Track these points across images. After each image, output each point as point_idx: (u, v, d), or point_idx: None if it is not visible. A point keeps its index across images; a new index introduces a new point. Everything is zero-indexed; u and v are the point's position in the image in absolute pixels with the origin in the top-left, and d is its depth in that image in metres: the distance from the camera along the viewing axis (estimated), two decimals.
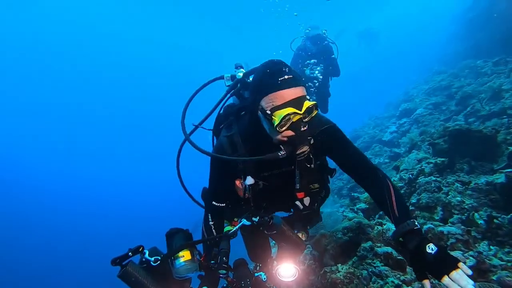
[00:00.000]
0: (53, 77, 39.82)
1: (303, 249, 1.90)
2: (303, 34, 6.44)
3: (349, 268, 3.05)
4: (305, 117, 1.52)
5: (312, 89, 5.99)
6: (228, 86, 2.06)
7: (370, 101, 19.78)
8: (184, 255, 1.50)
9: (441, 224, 3.25)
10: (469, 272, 1.28)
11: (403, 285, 2.67)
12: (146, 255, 1.43)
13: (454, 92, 7.57)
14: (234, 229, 1.72)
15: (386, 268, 2.89)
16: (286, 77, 1.50)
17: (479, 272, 2.42)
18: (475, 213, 3.11)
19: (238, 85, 1.97)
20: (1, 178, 31.86)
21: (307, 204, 1.93)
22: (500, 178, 3.36)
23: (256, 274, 1.65)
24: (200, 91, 2.06)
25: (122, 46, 43.12)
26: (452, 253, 2.69)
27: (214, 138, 2.14)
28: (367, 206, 4.55)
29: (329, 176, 2.06)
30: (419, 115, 7.83)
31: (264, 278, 1.64)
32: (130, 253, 1.35)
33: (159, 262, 1.43)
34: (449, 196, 3.55)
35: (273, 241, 2.27)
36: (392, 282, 2.70)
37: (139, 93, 43.21)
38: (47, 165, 35.99)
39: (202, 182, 2.15)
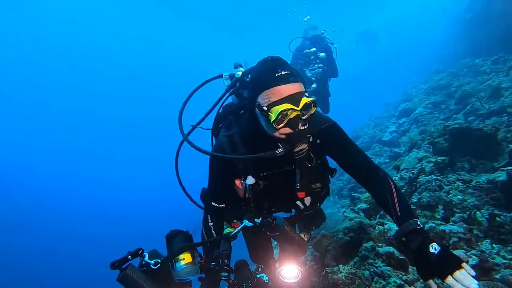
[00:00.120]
0: (52, 78, 39.85)
1: (305, 250, 1.88)
2: (301, 35, 6.43)
3: (350, 268, 3.03)
4: (303, 114, 1.49)
5: (309, 90, 5.97)
6: (227, 85, 2.04)
7: (369, 101, 19.79)
8: (185, 258, 1.47)
9: (442, 223, 3.24)
10: (473, 273, 1.27)
11: (406, 285, 2.65)
12: (146, 258, 1.40)
13: (454, 91, 7.57)
14: (236, 230, 1.70)
15: (388, 268, 2.87)
16: (283, 72, 1.48)
17: (482, 271, 2.40)
18: (477, 212, 3.09)
19: (237, 84, 1.94)
20: (1, 179, 31.86)
21: (308, 204, 1.92)
22: (501, 176, 3.34)
23: (258, 276, 1.62)
24: (199, 90, 2.04)
25: (121, 47, 43.20)
26: (455, 252, 2.67)
27: (213, 138, 2.12)
28: (368, 206, 4.53)
29: (329, 176, 2.05)
30: (418, 114, 7.82)
31: (266, 280, 1.62)
32: (129, 256, 1.32)
33: (159, 265, 1.40)
34: (450, 195, 3.53)
35: (275, 242, 2.25)
36: (395, 282, 2.68)
37: (139, 94, 43.27)
38: (47, 166, 35.94)
39: (202, 183, 2.13)
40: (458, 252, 2.69)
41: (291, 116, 1.46)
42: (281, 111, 1.43)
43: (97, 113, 41.39)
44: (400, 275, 2.78)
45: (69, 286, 20.47)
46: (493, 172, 3.69)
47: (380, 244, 3.22)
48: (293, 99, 1.45)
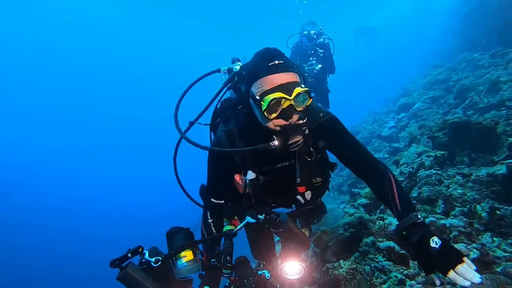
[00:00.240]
0: (51, 78, 39.77)
1: (308, 246, 1.87)
2: (299, 31, 6.40)
3: (351, 264, 3.03)
4: (298, 105, 1.48)
5: (310, 79, 5.93)
6: (225, 80, 2.02)
7: (368, 97, 19.78)
8: (186, 255, 1.45)
9: (443, 217, 3.24)
10: (473, 267, 1.26)
11: (407, 279, 2.65)
12: (146, 255, 1.38)
13: (452, 86, 7.57)
14: (239, 227, 1.69)
15: (389, 262, 2.87)
16: (276, 62, 1.47)
17: (483, 264, 2.40)
18: (477, 205, 3.10)
19: (235, 78, 1.92)
20: (1, 179, 31.83)
21: (308, 198, 1.90)
22: (501, 169, 3.34)
23: (259, 272, 1.61)
24: (198, 86, 2.02)
25: (121, 47, 43.10)
26: (455, 245, 2.66)
27: (212, 133, 2.10)
28: (368, 201, 4.53)
29: (330, 171, 2.03)
30: (417, 109, 7.82)
31: (268, 276, 1.60)
32: (129, 254, 1.30)
33: (160, 262, 1.38)
34: (450, 189, 3.53)
35: (276, 238, 2.24)
36: (396, 276, 2.68)
37: (139, 94, 43.21)
38: (46, 165, 35.92)
39: (202, 181, 2.12)
40: (459, 246, 2.69)
41: (284, 106, 1.45)
42: (272, 99, 1.41)
43: (96, 112, 41.39)
44: (401, 270, 2.78)
45: (69, 286, 20.48)
46: (492, 165, 3.69)
47: (380, 239, 3.22)
48: (286, 88, 1.44)
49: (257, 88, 1.49)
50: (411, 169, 4.30)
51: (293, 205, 2.08)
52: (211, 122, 2.02)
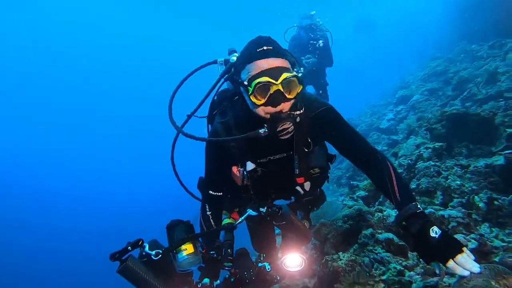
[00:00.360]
0: (50, 77, 39.55)
1: (309, 238, 1.87)
2: (296, 24, 6.36)
3: (350, 255, 3.04)
4: (286, 92, 1.46)
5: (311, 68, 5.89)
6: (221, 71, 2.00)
7: (367, 89, 19.73)
8: (187, 248, 1.45)
9: (441, 208, 3.25)
10: (472, 257, 1.27)
11: (405, 270, 2.67)
12: (146, 248, 1.38)
13: (450, 77, 7.57)
14: (240, 220, 1.69)
15: (388, 254, 2.88)
16: (265, 48, 1.46)
17: (481, 255, 2.42)
18: (475, 196, 3.11)
19: (232, 69, 1.92)
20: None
21: (307, 189, 1.90)
22: (499, 160, 3.35)
23: (260, 265, 1.62)
24: (195, 79, 2.00)
25: (120, 47, 42.93)
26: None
27: (209, 126, 2.09)
28: (367, 194, 4.55)
29: (329, 163, 2.03)
30: (415, 101, 7.82)
31: (269, 268, 1.61)
32: (129, 247, 1.30)
33: (160, 255, 1.38)
34: (448, 180, 3.54)
35: (277, 231, 2.24)
36: (395, 268, 2.69)
37: (138, 93, 42.91)
38: (45, 163, 35.78)
39: (202, 175, 2.11)
40: (457, 237, 2.70)
41: (272, 92, 1.44)
42: (257, 83, 1.41)
43: (94, 109, 41.16)
44: (400, 261, 2.79)
45: (70, 283, 20.54)
46: (491, 156, 3.70)
47: (379, 231, 3.23)
48: (273, 73, 1.43)
49: (246, 74, 1.49)
50: (409, 161, 4.31)
51: (292, 197, 2.07)
52: (208, 114, 2.01)
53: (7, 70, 36.74)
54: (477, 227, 2.84)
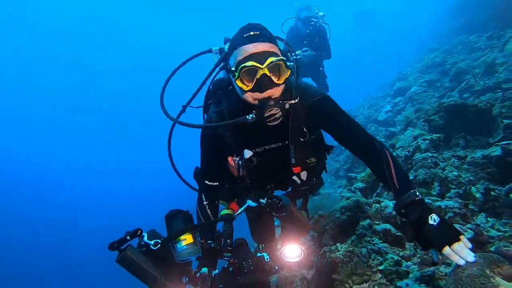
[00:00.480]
0: (43, 69, 39.20)
1: (309, 229, 1.88)
2: (294, 15, 6.31)
3: (348, 246, 3.06)
4: (274, 76, 1.46)
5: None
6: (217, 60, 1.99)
7: (365, 82, 19.71)
8: (186, 238, 1.45)
9: (438, 199, 3.27)
10: (469, 245, 1.28)
11: (402, 260, 2.69)
12: (145, 238, 1.38)
13: (448, 69, 7.55)
14: (240, 211, 1.70)
15: (385, 244, 2.90)
16: (252, 33, 1.46)
17: (477, 244, 2.44)
18: (472, 187, 3.13)
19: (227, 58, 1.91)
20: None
21: (304, 179, 1.90)
22: (496, 151, 3.36)
23: (258, 255, 1.62)
24: (194, 72, 2.00)
25: (118, 45, 42.70)
26: None
27: (205, 116, 2.09)
28: (364, 185, 4.57)
29: (326, 153, 2.03)
30: (413, 93, 7.81)
31: (267, 259, 1.62)
32: (128, 237, 1.30)
33: (159, 245, 1.38)
34: (445, 171, 3.55)
35: (276, 222, 2.25)
36: (392, 258, 2.71)
37: (135, 89, 42.68)
38: (42, 157, 35.58)
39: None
40: None
41: (258, 76, 1.43)
42: (242, 67, 1.40)
43: (92, 104, 40.83)
44: (397, 252, 2.81)
45: (70, 278, 20.61)
46: (488, 147, 3.71)
47: (377, 222, 3.25)
48: (259, 57, 1.42)
49: (233, 60, 1.48)
50: (407, 152, 4.33)
51: (290, 187, 2.08)
52: (203, 104, 2.00)
53: (5, 65, 36.57)
54: (474, 217, 2.86)
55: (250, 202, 1.63)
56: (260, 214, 2.02)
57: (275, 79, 1.46)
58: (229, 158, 1.82)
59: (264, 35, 1.48)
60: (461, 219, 2.86)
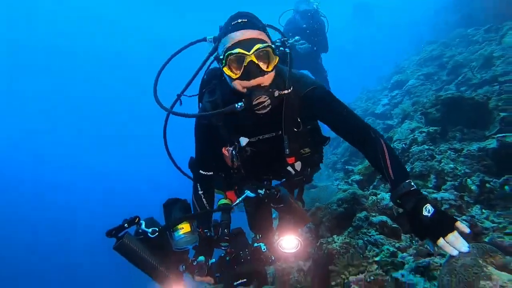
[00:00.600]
0: (38, 67, 38.94)
1: (306, 221, 1.89)
2: (292, 7, 6.27)
3: (344, 238, 3.08)
4: (262, 63, 1.45)
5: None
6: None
7: (363, 75, 19.66)
8: (184, 227, 1.48)
9: (434, 191, 3.29)
10: (467, 230, 1.30)
11: (398, 252, 2.71)
12: (143, 226, 1.39)
13: (446, 62, 7.54)
14: (238, 201, 1.70)
15: (381, 236, 2.92)
16: (239, 20, 1.46)
17: (472, 235, 2.47)
18: (468, 179, 3.15)
19: None
20: None
21: (298, 169, 1.90)
22: (492, 143, 3.38)
23: (255, 245, 1.64)
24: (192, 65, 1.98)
25: (117, 43, 42.41)
26: None
27: (200, 104, 2.09)
28: (361, 178, 4.59)
29: (321, 143, 2.03)
30: (411, 86, 7.80)
31: (264, 249, 1.63)
32: (126, 224, 1.31)
33: (157, 233, 1.39)
34: (442, 164, 3.57)
35: (274, 214, 2.26)
36: (388, 249, 2.74)
37: (132, 85, 42.41)
38: (40, 155, 35.42)
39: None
40: None
41: (246, 63, 1.42)
42: (228, 54, 1.40)
43: (89, 100, 40.61)
44: (393, 243, 2.84)
45: (70, 277, 20.63)
46: (484, 140, 3.73)
47: (373, 214, 3.27)
48: (246, 44, 1.41)
49: (221, 48, 1.48)
50: (404, 145, 4.34)
51: (284, 178, 2.08)
52: (198, 93, 1.99)
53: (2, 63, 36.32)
54: (469, 209, 2.89)
55: (248, 193, 1.64)
56: (258, 205, 2.03)
57: (263, 67, 1.46)
58: (223, 149, 1.82)
59: (252, 23, 1.47)
60: (456, 211, 2.88)
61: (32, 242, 24.40)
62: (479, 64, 6.02)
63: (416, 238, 2.71)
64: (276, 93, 1.55)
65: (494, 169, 3.23)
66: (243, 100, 1.50)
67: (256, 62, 1.43)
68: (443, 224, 1.33)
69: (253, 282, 1.54)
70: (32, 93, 38.07)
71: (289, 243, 1.69)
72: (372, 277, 2.48)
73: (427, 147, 3.98)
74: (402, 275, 2.28)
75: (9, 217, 26.13)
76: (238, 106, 1.50)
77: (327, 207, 3.68)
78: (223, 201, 1.90)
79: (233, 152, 1.77)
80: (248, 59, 1.41)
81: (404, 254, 2.67)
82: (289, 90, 1.59)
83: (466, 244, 1.29)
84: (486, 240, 2.34)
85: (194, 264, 1.53)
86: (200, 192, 1.95)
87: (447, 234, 1.29)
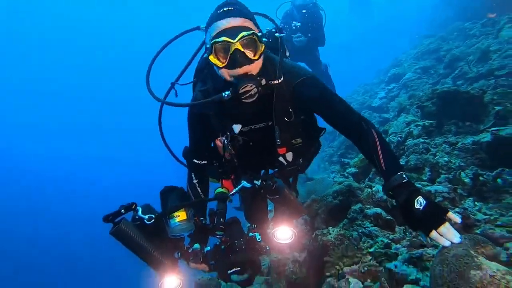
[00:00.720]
0: (21, 50, 38.67)
1: (302, 212, 1.89)
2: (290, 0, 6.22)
3: (339, 230, 3.11)
4: (248, 51, 1.44)
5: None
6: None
7: (361, 68, 19.64)
8: (180, 215, 1.48)
9: (429, 184, 3.32)
10: (458, 220, 1.32)
11: (392, 243, 2.75)
12: (139, 212, 1.40)
13: (443, 55, 7.55)
14: (234, 191, 1.71)
15: (376, 228, 2.96)
16: (225, 8, 1.44)
17: (464, 227, 2.50)
18: (462, 172, 3.18)
19: None
20: None
21: (290, 160, 1.90)
22: (486, 137, 3.40)
23: (250, 234, 1.65)
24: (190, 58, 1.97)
25: (115, 43, 42.31)
26: None
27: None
28: (357, 170, 4.62)
29: (315, 134, 2.03)
30: (407, 79, 7.81)
31: (259, 239, 1.65)
32: (122, 210, 1.32)
33: (153, 220, 1.41)
34: (436, 157, 3.60)
35: (270, 206, 2.28)
36: (382, 241, 2.77)
37: (132, 85, 42.09)
38: (41, 149, 35.25)
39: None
40: None
41: (231, 52, 1.41)
42: (213, 42, 1.40)
43: (93, 101, 40.42)
44: (387, 235, 2.87)
45: (71, 270, 20.65)
46: (479, 134, 3.75)
47: (368, 206, 3.30)
48: (231, 32, 1.40)
49: (208, 37, 1.47)
50: (399, 138, 4.37)
51: (276, 168, 2.08)
52: (193, 81, 1.98)
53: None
54: (462, 202, 2.92)
55: (244, 183, 1.65)
56: (254, 195, 2.03)
57: (250, 55, 1.45)
58: (217, 140, 1.83)
59: (238, 10, 1.45)
60: (449, 203, 2.91)
61: (32, 236, 24.36)
62: (476, 57, 6.03)
63: (410, 230, 2.74)
64: (264, 81, 1.54)
65: (488, 162, 3.26)
66: (230, 88, 1.49)
67: (242, 50, 1.41)
68: (435, 216, 1.35)
69: (247, 271, 1.55)
70: (31, 86, 37.99)
71: (283, 233, 1.71)
72: (366, 268, 2.52)
73: (422, 140, 4.01)
74: (395, 266, 2.32)
75: (10, 211, 26.07)
76: (225, 95, 1.49)
77: (323, 199, 3.71)
78: (220, 189, 1.90)
79: (225, 142, 1.76)
80: (233, 47, 1.40)
81: (398, 245, 2.70)
82: (280, 80, 1.58)
83: (458, 235, 1.32)
84: (478, 231, 2.38)
85: (189, 251, 1.55)
86: (195, 181, 1.95)
87: (439, 226, 1.32)
